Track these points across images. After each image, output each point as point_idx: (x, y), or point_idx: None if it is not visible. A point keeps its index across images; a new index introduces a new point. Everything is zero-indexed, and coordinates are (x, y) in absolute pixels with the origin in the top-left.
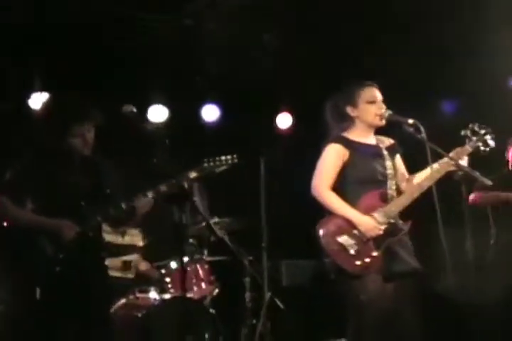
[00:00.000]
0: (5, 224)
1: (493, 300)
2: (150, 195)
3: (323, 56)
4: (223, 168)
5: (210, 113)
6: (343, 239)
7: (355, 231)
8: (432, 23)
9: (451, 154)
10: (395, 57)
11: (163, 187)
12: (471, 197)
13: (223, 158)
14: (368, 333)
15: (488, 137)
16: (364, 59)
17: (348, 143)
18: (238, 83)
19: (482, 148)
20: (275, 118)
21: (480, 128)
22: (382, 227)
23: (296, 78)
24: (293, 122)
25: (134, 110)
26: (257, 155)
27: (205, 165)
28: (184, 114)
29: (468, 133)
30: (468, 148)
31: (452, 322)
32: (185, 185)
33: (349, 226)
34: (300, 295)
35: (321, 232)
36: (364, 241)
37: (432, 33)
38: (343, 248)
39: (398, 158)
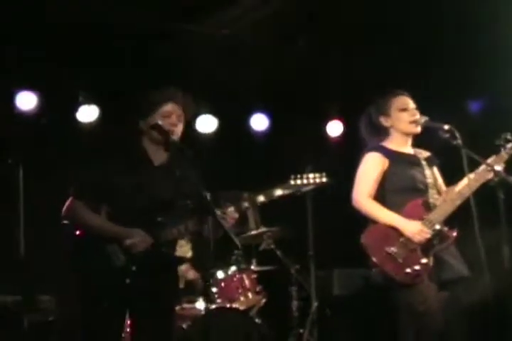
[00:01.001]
0: (77, 232)
1: None
2: (231, 209)
3: (375, 63)
4: (311, 187)
5: (259, 122)
6: (390, 248)
7: (402, 239)
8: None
9: (488, 160)
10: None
11: (245, 204)
12: None
13: (311, 175)
14: None
15: None
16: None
17: (387, 152)
18: (287, 91)
19: None
20: (326, 126)
21: None
22: (430, 233)
23: (347, 84)
24: (344, 130)
25: (160, 122)
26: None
27: (292, 182)
28: (233, 123)
29: (502, 141)
30: (504, 154)
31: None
32: (208, 198)
33: (395, 235)
34: (351, 304)
35: (366, 242)
36: (411, 249)
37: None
38: (391, 257)
39: (435, 170)
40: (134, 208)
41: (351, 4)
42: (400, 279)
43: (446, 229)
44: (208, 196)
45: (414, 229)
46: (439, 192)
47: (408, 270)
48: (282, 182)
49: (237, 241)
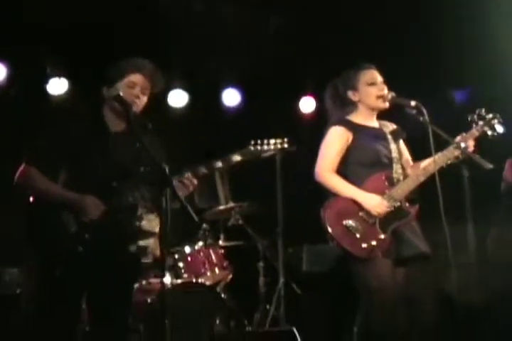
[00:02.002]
0: (31, 199)
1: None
2: (188, 175)
3: (345, 38)
4: (270, 153)
5: (231, 97)
6: (349, 221)
7: (361, 213)
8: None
9: (456, 139)
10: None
11: (202, 169)
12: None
13: (272, 141)
14: (378, 319)
15: (495, 122)
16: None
17: (351, 126)
18: (259, 67)
19: (490, 132)
20: (298, 102)
21: (487, 112)
22: (389, 206)
23: (320, 60)
24: (317, 106)
25: (122, 94)
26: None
27: (251, 148)
28: (205, 98)
29: (475, 117)
30: (474, 132)
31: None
32: (167, 171)
33: (355, 208)
34: (320, 280)
35: (325, 215)
36: (370, 224)
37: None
38: (349, 231)
39: (402, 143)
40: (89, 174)
41: None
42: (356, 253)
43: (407, 205)
44: (167, 169)
45: (373, 202)
46: (403, 167)
47: (364, 245)
48: (241, 148)
49: (194, 214)
